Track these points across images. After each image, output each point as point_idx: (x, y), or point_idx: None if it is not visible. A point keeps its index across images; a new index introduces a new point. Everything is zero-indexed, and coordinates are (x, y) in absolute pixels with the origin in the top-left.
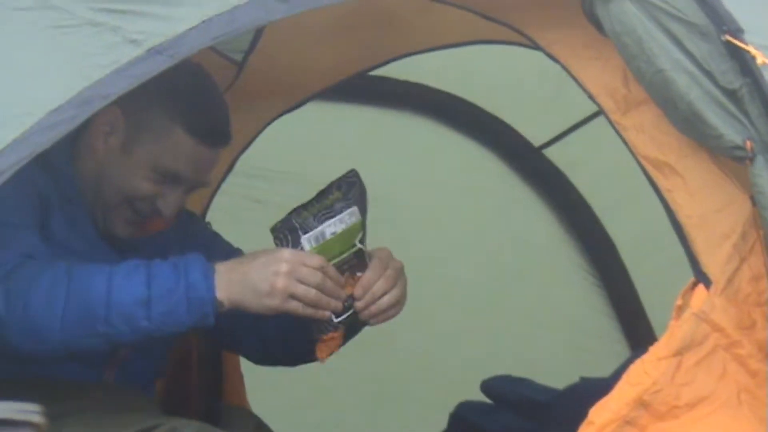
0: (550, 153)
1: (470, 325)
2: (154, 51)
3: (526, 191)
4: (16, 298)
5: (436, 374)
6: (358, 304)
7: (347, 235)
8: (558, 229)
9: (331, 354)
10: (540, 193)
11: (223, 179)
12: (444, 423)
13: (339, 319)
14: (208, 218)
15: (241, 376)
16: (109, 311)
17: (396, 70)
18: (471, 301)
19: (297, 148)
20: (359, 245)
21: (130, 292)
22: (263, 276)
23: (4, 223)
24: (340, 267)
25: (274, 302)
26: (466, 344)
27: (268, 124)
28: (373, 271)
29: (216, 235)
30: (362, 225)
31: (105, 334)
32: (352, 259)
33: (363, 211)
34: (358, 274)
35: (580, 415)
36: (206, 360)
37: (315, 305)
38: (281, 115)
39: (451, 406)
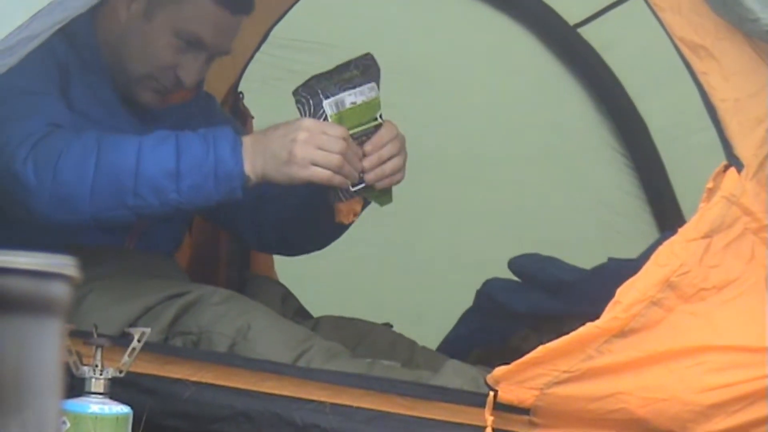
0: (586, 32)
1: (499, 202)
2: None
3: (560, 70)
4: (46, 167)
5: (463, 251)
6: (367, 162)
7: (367, 108)
8: (591, 109)
9: (354, 216)
10: (574, 72)
11: (257, 49)
12: (470, 300)
13: (355, 188)
14: (240, 87)
15: None
16: (138, 183)
17: None
18: (500, 179)
19: (331, 19)
20: (380, 120)
21: (159, 164)
22: (282, 144)
23: (27, 91)
24: (358, 138)
25: (293, 170)
26: (494, 222)
27: None
28: (385, 131)
29: (231, 118)
30: (379, 101)
31: (134, 206)
32: (371, 132)
33: (378, 88)
34: None
35: (608, 295)
36: None
37: (338, 170)
38: None
39: (478, 283)
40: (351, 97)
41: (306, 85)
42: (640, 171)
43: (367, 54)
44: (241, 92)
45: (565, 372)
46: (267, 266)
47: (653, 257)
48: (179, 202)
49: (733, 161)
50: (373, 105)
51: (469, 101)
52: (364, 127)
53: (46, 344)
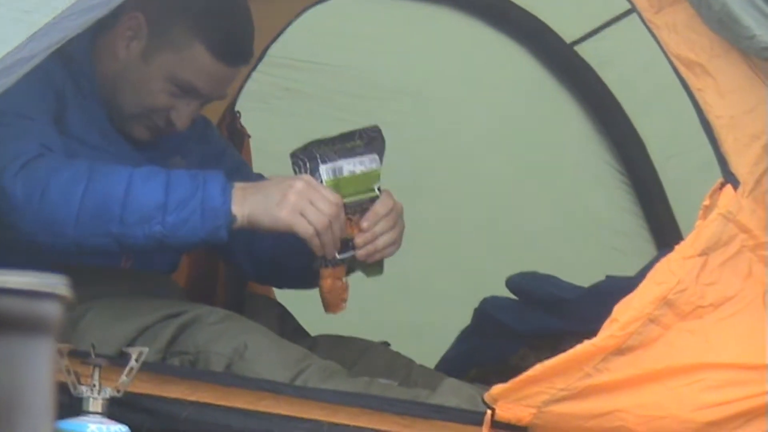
0: (582, 49)
1: (496, 220)
2: None
3: (557, 87)
4: (34, 187)
5: (461, 269)
6: (359, 239)
7: (365, 179)
8: (588, 127)
9: (342, 303)
10: (571, 90)
11: (253, 68)
12: (468, 318)
13: (341, 255)
14: (238, 106)
15: None
16: (124, 211)
17: None
18: (498, 196)
19: (328, 39)
20: (378, 192)
21: (147, 195)
22: (277, 188)
23: (21, 115)
24: (352, 207)
25: (282, 213)
26: (491, 240)
27: (300, 14)
28: (381, 206)
29: (228, 144)
30: (379, 174)
31: (118, 235)
32: (366, 203)
33: (381, 162)
34: None
35: (605, 312)
36: None
37: (321, 232)
38: (313, 5)
39: (475, 301)
40: (349, 166)
41: (304, 148)
42: (638, 188)
43: (375, 126)
44: (238, 111)
45: (562, 390)
46: (264, 286)
47: (650, 275)
48: (164, 234)
49: (730, 178)
50: (372, 176)
51: (466, 119)
52: (359, 197)
53: (38, 364)
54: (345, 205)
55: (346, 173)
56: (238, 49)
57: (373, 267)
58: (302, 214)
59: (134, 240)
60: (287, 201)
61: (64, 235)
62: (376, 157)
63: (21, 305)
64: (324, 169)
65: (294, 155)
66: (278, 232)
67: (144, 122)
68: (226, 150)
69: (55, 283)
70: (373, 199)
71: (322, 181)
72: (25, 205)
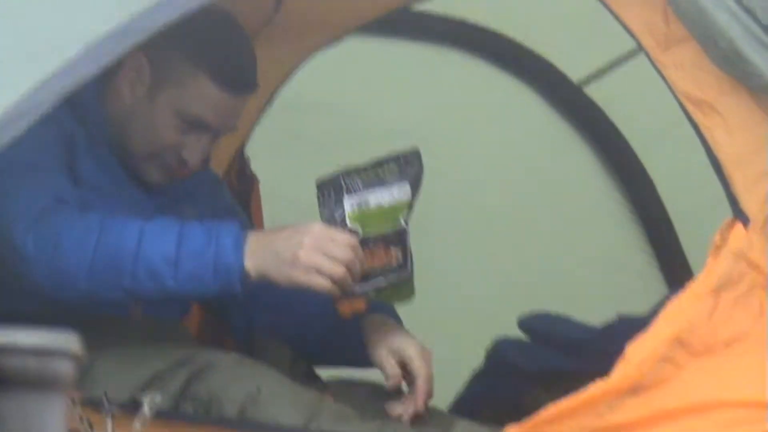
0: (589, 89)
1: (506, 260)
2: None
3: (565, 127)
4: (47, 239)
5: (471, 309)
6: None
7: (392, 211)
8: (596, 165)
9: (353, 312)
10: (578, 129)
11: (262, 112)
12: (480, 359)
13: (361, 288)
14: (247, 151)
15: None
16: (136, 266)
17: (435, 6)
18: (507, 235)
19: (336, 82)
20: (404, 225)
21: (160, 249)
22: (288, 245)
23: (32, 165)
24: (375, 239)
25: (295, 273)
26: (501, 280)
27: (309, 58)
28: (425, 384)
29: (235, 204)
30: (410, 204)
31: (130, 289)
32: (390, 235)
33: (415, 191)
34: (392, 248)
35: (617, 352)
36: None
37: (339, 281)
38: (321, 49)
39: (487, 342)
40: (376, 198)
41: (331, 176)
42: (647, 226)
43: (414, 150)
44: (247, 156)
45: (576, 431)
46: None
47: (662, 314)
48: (176, 289)
49: (740, 216)
50: (399, 208)
51: (473, 159)
52: (384, 231)
53: (50, 420)
54: (367, 239)
55: (372, 206)
56: (242, 77)
57: (402, 293)
58: (317, 270)
59: (146, 293)
60: (298, 260)
61: (75, 288)
62: (407, 186)
63: (34, 364)
64: (348, 202)
65: (320, 184)
66: (293, 287)
67: (156, 162)
68: (232, 209)
69: (67, 341)
70: (398, 232)
71: (345, 214)
72: (37, 258)
